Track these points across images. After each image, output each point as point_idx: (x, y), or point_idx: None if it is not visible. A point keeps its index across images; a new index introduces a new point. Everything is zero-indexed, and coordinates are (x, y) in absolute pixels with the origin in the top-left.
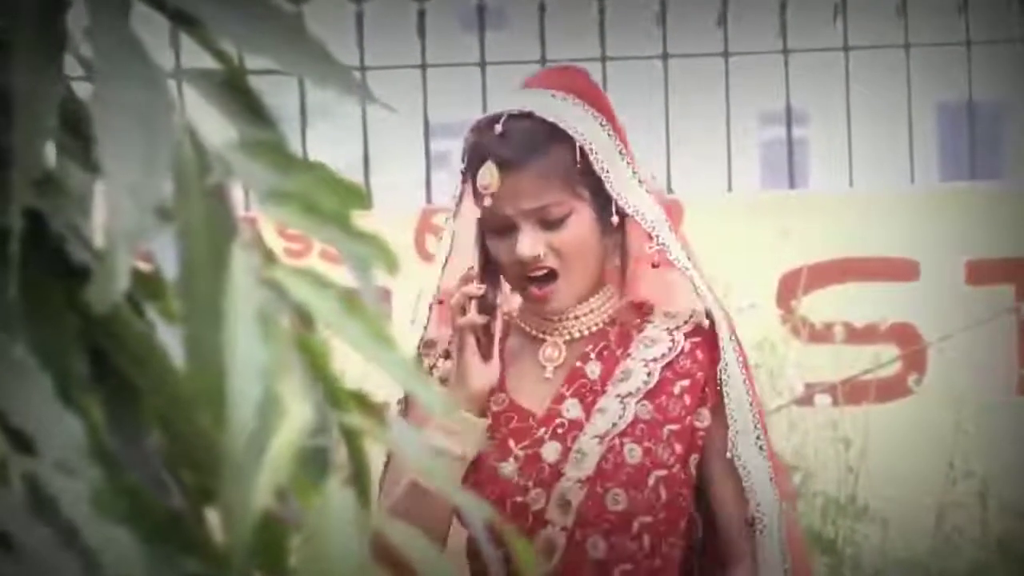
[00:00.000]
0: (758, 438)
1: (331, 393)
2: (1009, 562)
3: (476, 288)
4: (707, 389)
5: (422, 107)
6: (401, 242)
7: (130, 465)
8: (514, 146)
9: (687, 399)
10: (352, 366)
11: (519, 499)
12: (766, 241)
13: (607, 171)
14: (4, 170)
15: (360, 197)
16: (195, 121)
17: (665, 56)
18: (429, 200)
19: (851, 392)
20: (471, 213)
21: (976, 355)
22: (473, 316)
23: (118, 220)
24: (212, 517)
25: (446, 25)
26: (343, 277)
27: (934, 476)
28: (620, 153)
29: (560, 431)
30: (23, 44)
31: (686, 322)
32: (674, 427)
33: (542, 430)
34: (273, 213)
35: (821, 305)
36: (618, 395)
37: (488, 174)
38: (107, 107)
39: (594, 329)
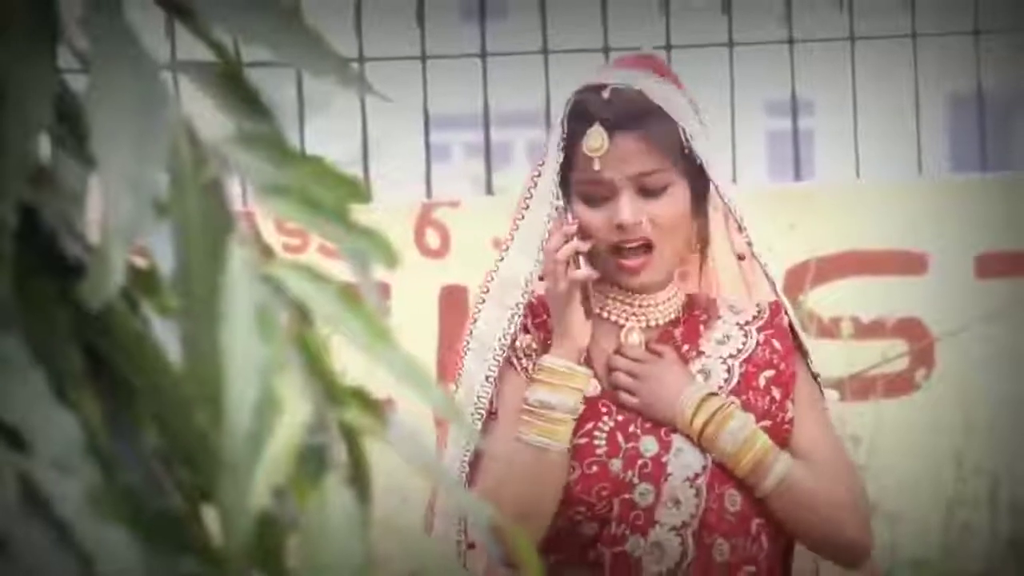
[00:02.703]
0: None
1: (330, 390)
2: (1020, 560)
3: (583, 243)
4: (790, 381)
5: (422, 99)
6: (400, 236)
7: (126, 464)
8: (622, 111)
9: (774, 391)
10: (355, 363)
11: (627, 496)
12: (772, 234)
13: (704, 158)
14: None
15: (359, 191)
16: (191, 114)
17: (669, 47)
18: (429, 194)
19: (859, 387)
20: (547, 191)
21: (985, 350)
22: (587, 270)
23: (113, 215)
24: (209, 516)
25: (446, 15)
26: (342, 272)
27: (943, 473)
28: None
29: (659, 430)
30: (16, 35)
31: (755, 316)
32: (766, 423)
33: (638, 429)
34: (271, 207)
35: (828, 299)
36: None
37: (598, 136)
38: (102, 100)
39: (671, 318)
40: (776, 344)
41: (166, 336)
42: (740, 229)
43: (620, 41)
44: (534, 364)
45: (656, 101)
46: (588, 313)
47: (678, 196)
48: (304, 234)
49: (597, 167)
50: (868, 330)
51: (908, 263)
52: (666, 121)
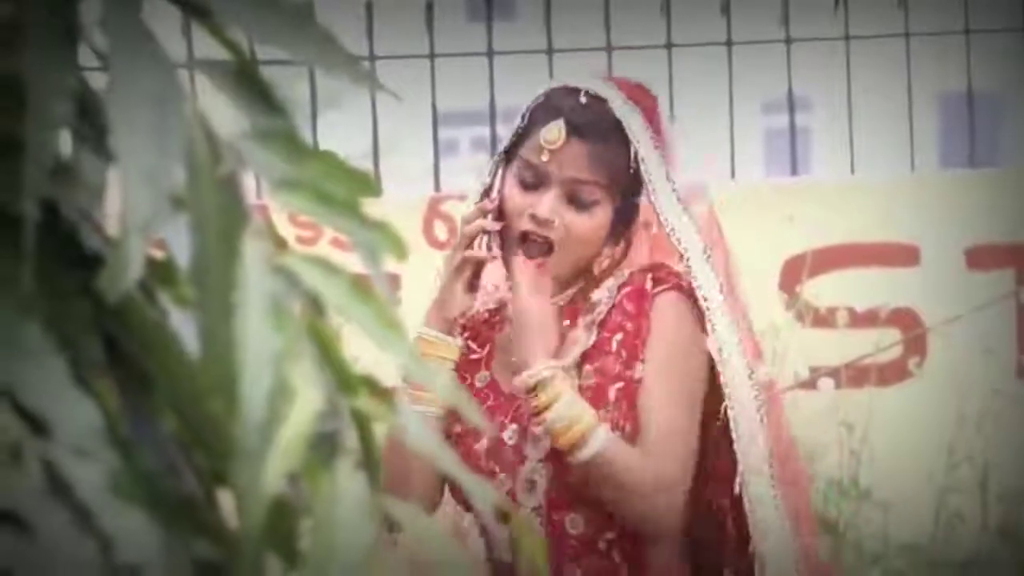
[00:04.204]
0: (770, 466)
1: (341, 378)
2: (1009, 547)
3: (494, 223)
4: (638, 342)
5: (430, 96)
6: (410, 229)
7: (144, 449)
8: (589, 119)
9: (623, 352)
10: (365, 352)
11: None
12: (770, 227)
13: (652, 183)
14: (19, 159)
15: (369, 185)
16: (207, 111)
17: (669, 45)
18: (437, 188)
19: (854, 376)
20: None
21: (976, 340)
22: (485, 252)
23: (131, 208)
24: (224, 500)
25: (454, 15)
26: (353, 264)
27: (935, 460)
28: (668, 177)
29: (518, 412)
30: (37, 35)
31: (623, 279)
32: (619, 385)
33: (502, 413)
34: (284, 201)
35: (824, 290)
36: (563, 368)
37: (557, 130)
38: (120, 97)
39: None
40: (627, 306)
41: (183, 326)
42: (681, 258)
43: (622, 40)
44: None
45: (617, 116)
46: (473, 288)
47: (599, 216)
48: (316, 227)
49: (545, 158)
50: (863, 320)
51: (901, 255)
52: (623, 141)
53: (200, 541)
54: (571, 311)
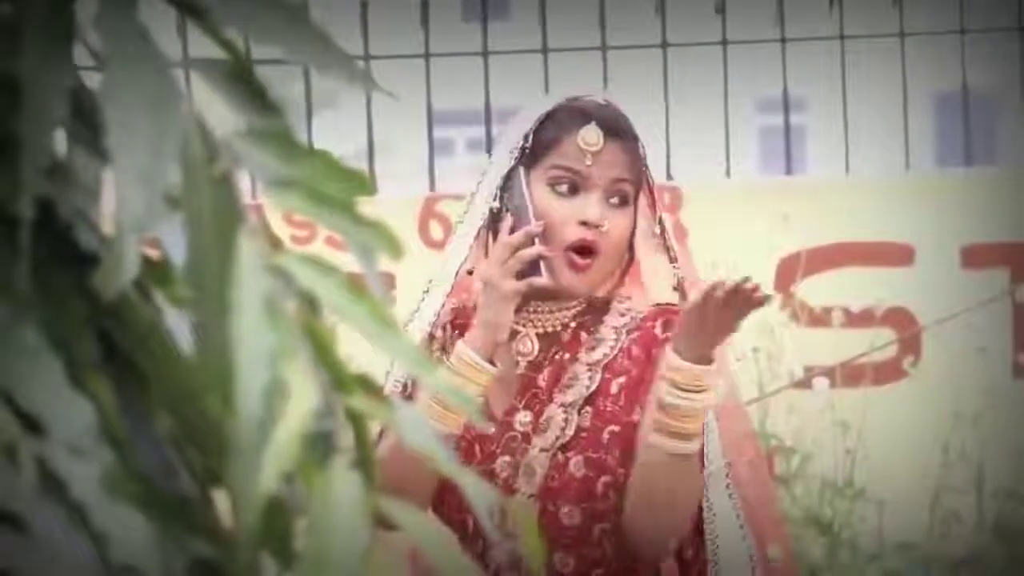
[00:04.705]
0: (727, 475)
1: (336, 377)
2: (1004, 545)
3: (549, 250)
4: (640, 387)
5: (426, 96)
6: (405, 228)
7: (139, 448)
8: (613, 118)
9: (623, 398)
10: (360, 352)
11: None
12: (764, 226)
13: (652, 182)
14: (14, 158)
15: (364, 184)
16: (202, 110)
17: (664, 45)
18: (432, 187)
19: (849, 375)
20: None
21: (971, 339)
22: (545, 279)
23: (126, 207)
24: (220, 499)
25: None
26: (348, 263)
27: (930, 459)
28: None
29: (513, 444)
30: (32, 33)
31: (632, 320)
32: (614, 428)
33: (493, 445)
34: (279, 200)
35: (819, 289)
36: (562, 405)
37: (595, 134)
38: (116, 96)
39: (562, 324)
40: (635, 351)
41: (178, 325)
42: (673, 261)
43: (617, 40)
44: (447, 357)
45: (631, 122)
46: (518, 311)
47: (631, 215)
48: (311, 226)
49: (589, 162)
50: (857, 319)
51: (896, 255)
52: (634, 139)
53: (195, 540)
54: (572, 343)
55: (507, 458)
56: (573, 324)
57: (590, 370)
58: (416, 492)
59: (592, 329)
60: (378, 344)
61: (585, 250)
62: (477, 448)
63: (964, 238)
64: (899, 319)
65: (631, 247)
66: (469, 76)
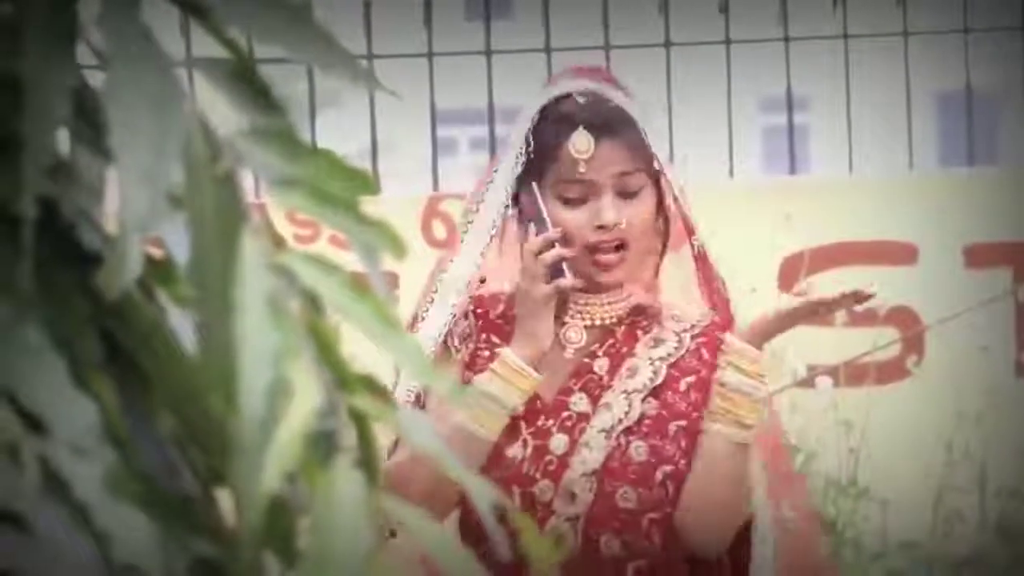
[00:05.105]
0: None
1: (340, 377)
2: (1007, 544)
3: (569, 251)
4: (708, 387)
5: (429, 95)
6: (408, 228)
7: (142, 448)
8: (599, 115)
9: (693, 395)
10: (364, 351)
11: (528, 489)
12: (768, 226)
13: (661, 163)
14: (17, 157)
15: (368, 183)
16: (205, 109)
17: (668, 44)
18: (436, 186)
19: (852, 374)
20: (502, 192)
21: (974, 338)
22: (571, 279)
23: (130, 207)
24: (223, 499)
25: (452, 14)
26: (351, 262)
27: (933, 458)
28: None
29: (568, 423)
30: (34, 33)
31: (693, 326)
32: (681, 423)
33: (549, 421)
34: (282, 199)
35: (822, 288)
36: (624, 391)
37: (584, 140)
38: (119, 95)
39: (614, 319)
40: (704, 353)
41: (181, 324)
42: (692, 233)
43: (621, 39)
44: (468, 349)
45: (615, 101)
46: (559, 319)
47: (647, 198)
48: (315, 225)
49: (583, 169)
50: (861, 318)
51: (899, 254)
52: (633, 125)
53: (198, 540)
54: (629, 339)
55: (563, 436)
56: (627, 321)
57: (653, 364)
58: (440, 498)
59: (648, 328)
60: (381, 344)
61: (610, 250)
62: (530, 425)
63: (967, 238)
64: (902, 318)
65: (665, 219)
66: (472, 75)
